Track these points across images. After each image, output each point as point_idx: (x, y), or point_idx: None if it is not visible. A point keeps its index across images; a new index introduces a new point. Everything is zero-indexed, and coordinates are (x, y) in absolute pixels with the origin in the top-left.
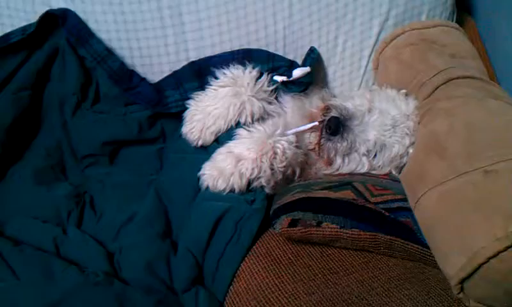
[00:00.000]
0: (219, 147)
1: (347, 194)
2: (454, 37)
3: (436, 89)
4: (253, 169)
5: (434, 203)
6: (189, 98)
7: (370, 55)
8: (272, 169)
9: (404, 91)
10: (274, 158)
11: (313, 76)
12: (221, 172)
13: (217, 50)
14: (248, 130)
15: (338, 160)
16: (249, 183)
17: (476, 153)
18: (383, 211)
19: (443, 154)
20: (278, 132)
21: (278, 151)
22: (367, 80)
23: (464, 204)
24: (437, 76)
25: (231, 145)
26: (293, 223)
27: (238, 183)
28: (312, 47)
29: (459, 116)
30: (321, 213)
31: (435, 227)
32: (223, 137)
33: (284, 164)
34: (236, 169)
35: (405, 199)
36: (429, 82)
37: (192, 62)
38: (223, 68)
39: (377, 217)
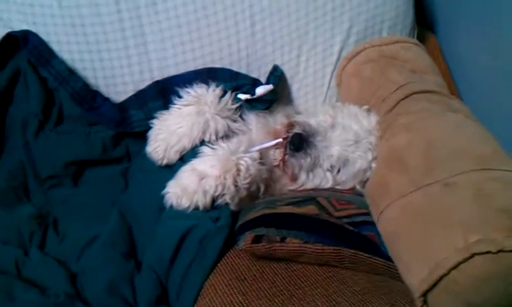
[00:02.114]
0: (184, 165)
1: (310, 210)
2: (414, 53)
3: (396, 104)
4: (216, 186)
5: (396, 216)
6: (153, 117)
7: (333, 72)
8: (236, 186)
9: (366, 106)
10: (238, 175)
11: (277, 93)
12: (185, 190)
13: (181, 69)
14: (212, 148)
15: (303, 176)
16: (213, 200)
17: (435, 167)
18: (347, 225)
19: (403, 168)
20: (242, 149)
21: (242, 167)
22: (331, 96)
23: (424, 216)
24: (397, 91)
25: (194, 163)
26: (257, 239)
27: (202, 201)
28: (275, 65)
29: (419, 131)
30: (285, 228)
31: (397, 239)
32: (188, 156)
33: (248, 180)
34: (199, 186)
35: (369, 213)
36: (389, 98)
37: (157, 82)
38: (187, 87)
39: (340, 231)
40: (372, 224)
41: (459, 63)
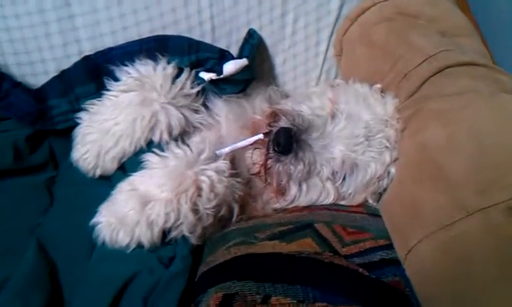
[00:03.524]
0: (126, 176)
1: (306, 245)
2: (443, 8)
3: (424, 82)
4: (167, 214)
5: (436, 256)
6: (81, 109)
7: (330, 38)
8: (196, 212)
9: (379, 85)
10: (199, 196)
11: (254, 70)
12: (122, 220)
13: (119, 40)
14: (160, 156)
15: (293, 189)
16: (164, 233)
17: (492, 180)
18: (360, 269)
19: (442, 181)
20: (204, 155)
21: (204, 185)
22: (328, 71)
23: (483, 261)
24: (425, 64)
25: (135, 179)
26: (227, 300)
27: (147, 236)
28: (250, 30)
29: (462, 122)
30: (268, 280)
31: (440, 294)
32: (130, 163)
33: (214, 203)
34: (143, 215)
35: (390, 246)
36: (413, 73)
37: (87, 58)
38: (127, 65)
39: (351, 279)
40: (395, 263)
41: (492, 23)
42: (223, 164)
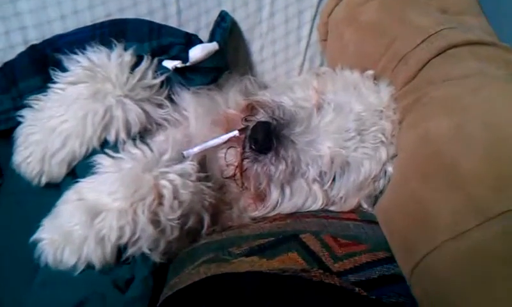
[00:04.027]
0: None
1: (290, 261)
2: None
3: (424, 65)
4: (121, 228)
5: (449, 270)
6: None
7: (314, 20)
8: (157, 224)
9: (371, 72)
10: (160, 204)
11: (227, 58)
12: (67, 236)
13: (70, 25)
14: (113, 157)
15: (274, 193)
16: (119, 250)
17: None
18: (356, 288)
19: (453, 180)
20: (167, 156)
21: (165, 192)
22: (312, 58)
23: (506, 276)
24: (424, 44)
25: (83, 187)
26: None
27: (97, 254)
28: (222, 12)
29: (471, 110)
30: (246, 306)
31: None
32: (82, 168)
33: (178, 212)
34: (91, 230)
35: (392, 259)
36: (411, 55)
37: (33, 48)
38: (77, 53)
39: (346, 302)
40: (398, 280)
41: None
42: (189, 166)
